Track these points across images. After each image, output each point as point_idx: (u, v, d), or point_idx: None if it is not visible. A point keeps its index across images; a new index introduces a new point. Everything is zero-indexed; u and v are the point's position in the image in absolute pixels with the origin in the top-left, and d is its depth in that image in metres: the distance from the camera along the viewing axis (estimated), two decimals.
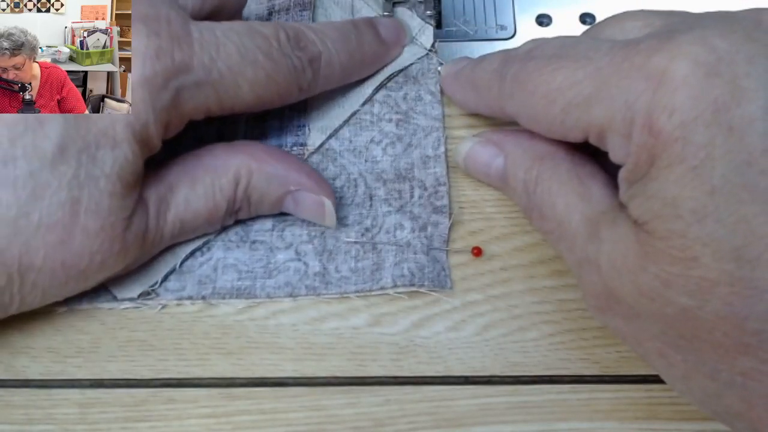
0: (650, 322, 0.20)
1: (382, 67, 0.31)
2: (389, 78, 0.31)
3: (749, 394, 0.19)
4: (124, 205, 0.23)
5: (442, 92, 0.31)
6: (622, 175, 0.21)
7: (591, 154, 0.24)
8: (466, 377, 0.26)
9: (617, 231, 0.21)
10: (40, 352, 0.26)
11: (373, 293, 0.27)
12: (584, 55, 0.21)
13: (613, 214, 0.22)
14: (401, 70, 0.31)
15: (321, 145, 0.30)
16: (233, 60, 0.24)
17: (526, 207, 0.25)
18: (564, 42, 0.23)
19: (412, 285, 0.27)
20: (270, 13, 0.32)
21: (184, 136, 0.29)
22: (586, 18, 0.33)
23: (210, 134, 0.30)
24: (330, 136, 0.30)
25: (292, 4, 0.32)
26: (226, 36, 0.25)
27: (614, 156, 0.21)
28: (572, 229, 0.23)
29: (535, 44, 0.24)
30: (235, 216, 0.27)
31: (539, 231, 0.25)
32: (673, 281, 0.19)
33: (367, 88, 0.31)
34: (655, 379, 0.25)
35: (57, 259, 0.23)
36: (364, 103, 0.30)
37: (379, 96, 0.31)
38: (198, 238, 0.27)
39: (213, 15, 0.27)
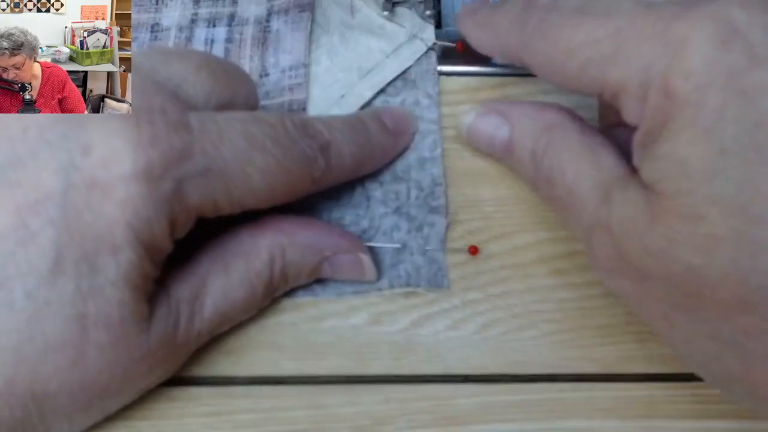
0: (657, 283, 0.21)
1: (381, 70, 0.31)
2: (389, 83, 0.31)
3: (748, 355, 0.19)
4: (138, 310, 0.21)
5: (439, 94, 0.31)
6: (636, 138, 0.21)
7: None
8: (466, 376, 0.26)
9: (628, 194, 0.21)
10: None
11: (370, 294, 0.27)
12: (605, 12, 0.22)
13: (624, 180, 0.22)
14: (401, 74, 0.31)
15: None
16: (239, 146, 0.22)
17: (534, 177, 0.26)
18: None
19: (409, 285, 0.27)
20: (269, 14, 0.32)
21: None
22: None
23: None
24: None
25: (291, 5, 0.32)
26: (229, 123, 0.22)
27: (627, 116, 0.21)
28: (583, 196, 0.23)
29: None
30: (272, 297, 0.26)
31: (545, 200, 0.25)
32: (681, 239, 0.19)
33: (366, 92, 0.31)
34: (655, 377, 0.25)
35: (73, 381, 0.20)
36: (362, 107, 0.30)
37: (377, 101, 0.31)
38: None
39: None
